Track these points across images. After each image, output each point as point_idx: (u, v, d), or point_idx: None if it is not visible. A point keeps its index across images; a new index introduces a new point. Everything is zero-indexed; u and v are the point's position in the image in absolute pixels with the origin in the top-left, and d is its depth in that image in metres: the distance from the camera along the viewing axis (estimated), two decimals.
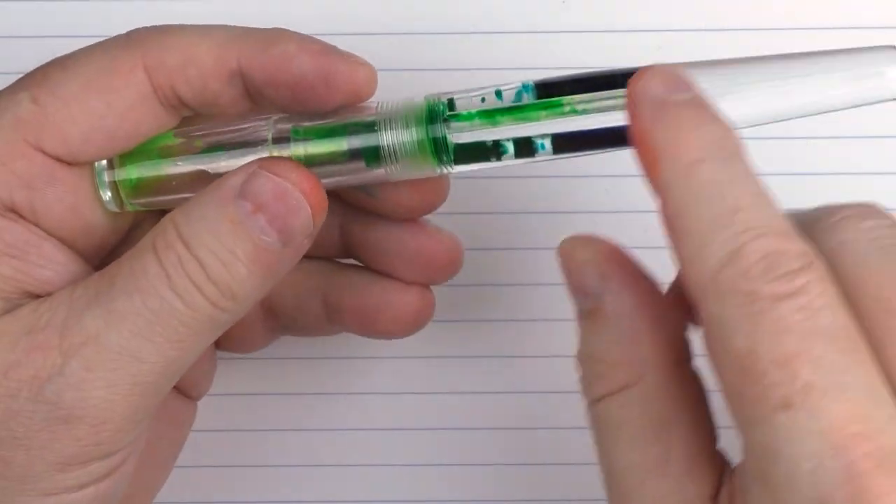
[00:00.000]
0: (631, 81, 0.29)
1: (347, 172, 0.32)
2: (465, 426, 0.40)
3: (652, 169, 0.28)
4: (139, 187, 0.33)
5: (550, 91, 0.32)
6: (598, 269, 0.29)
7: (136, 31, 0.32)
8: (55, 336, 0.30)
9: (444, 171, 0.32)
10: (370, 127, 0.31)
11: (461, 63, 0.39)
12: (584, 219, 0.40)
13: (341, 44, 0.32)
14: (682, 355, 0.29)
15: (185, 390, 0.37)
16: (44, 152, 0.31)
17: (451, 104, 0.32)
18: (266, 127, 0.32)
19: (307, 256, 0.35)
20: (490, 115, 0.31)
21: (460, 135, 0.31)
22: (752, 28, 0.39)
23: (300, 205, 0.31)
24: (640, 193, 0.39)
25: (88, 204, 0.32)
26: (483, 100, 0.32)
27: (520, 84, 0.32)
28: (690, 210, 0.27)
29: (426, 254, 0.35)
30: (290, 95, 0.32)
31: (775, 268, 0.26)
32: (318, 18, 0.39)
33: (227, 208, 0.30)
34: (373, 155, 0.31)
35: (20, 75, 0.32)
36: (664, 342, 0.29)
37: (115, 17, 0.39)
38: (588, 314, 0.29)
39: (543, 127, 0.31)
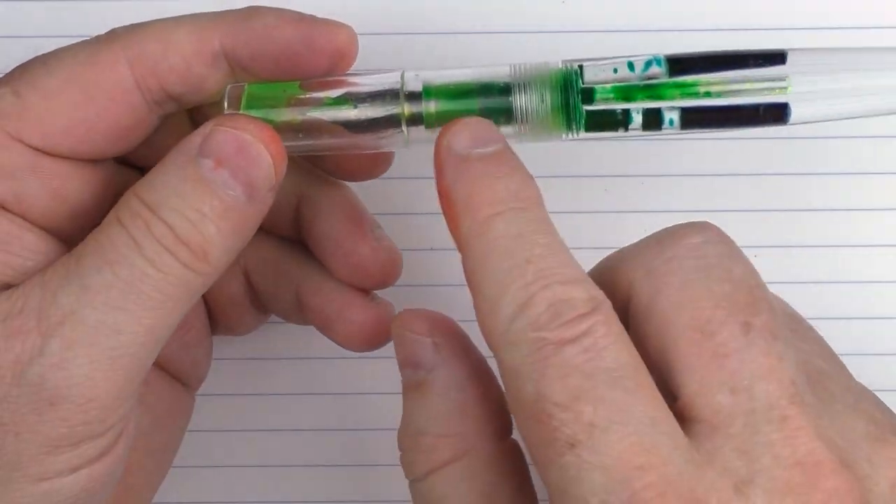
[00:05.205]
0: (439, 135, 0.30)
1: None
2: None
3: (454, 225, 0.29)
4: None
5: (682, 66, 0.32)
6: (431, 341, 0.30)
7: (115, 29, 0.32)
8: (32, 319, 0.30)
9: (571, 136, 0.32)
10: (505, 89, 0.32)
11: (461, 63, 0.39)
12: (584, 219, 0.40)
13: None
14: (505, 428, 0.30)
15: (180, 377, 0.37)
16: (24, 143, 0.31)
17: (581, 71, 0.32)
18: (397, 81, 0.32)
19: (288, 238, 0.35)
20: (625, 92, 0.32)
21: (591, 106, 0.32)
22: (753, 28, 0.39)
23: (261, 154, 0.31)
24: (640, 193, 0.40)
25: (74, 189, 0.32)
26: (615, 70, 0.32)
27: (651, 56, 0.32)
28: (485, 264, 0.28)
29: (356, 259, 0.35)
30: (276, 65, 0.32)
31: (561, 315, 0.27)
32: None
33: (188, 168, 0.30)
34: (505, 116, 0.32)
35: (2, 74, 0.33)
36: (490, 415, 0.30)
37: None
38: (416, 387, 0.30)
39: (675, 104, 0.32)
